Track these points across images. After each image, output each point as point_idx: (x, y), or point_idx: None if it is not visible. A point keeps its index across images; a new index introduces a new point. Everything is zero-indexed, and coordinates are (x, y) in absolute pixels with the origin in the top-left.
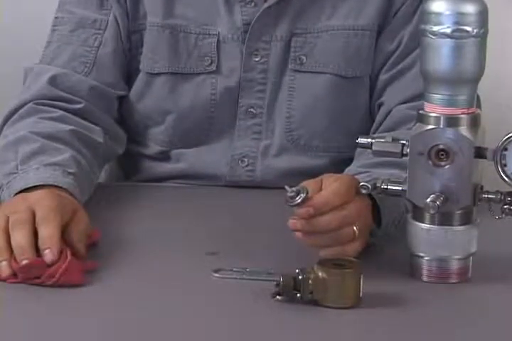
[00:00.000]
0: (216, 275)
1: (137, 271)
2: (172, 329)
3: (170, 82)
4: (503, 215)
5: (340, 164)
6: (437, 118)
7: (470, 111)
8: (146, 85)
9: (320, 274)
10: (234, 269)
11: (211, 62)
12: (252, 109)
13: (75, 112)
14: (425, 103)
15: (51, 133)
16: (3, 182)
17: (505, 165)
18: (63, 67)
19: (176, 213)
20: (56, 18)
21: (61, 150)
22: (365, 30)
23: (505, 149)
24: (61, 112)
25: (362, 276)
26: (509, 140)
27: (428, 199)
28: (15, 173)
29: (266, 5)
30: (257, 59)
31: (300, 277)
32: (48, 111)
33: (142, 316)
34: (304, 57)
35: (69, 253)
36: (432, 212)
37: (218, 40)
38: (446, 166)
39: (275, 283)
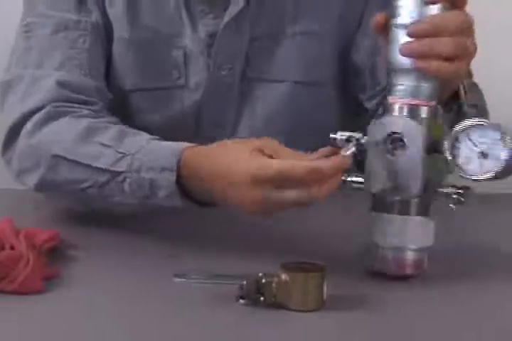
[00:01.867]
0: (178, 279)
1: (98, 277)
2: (132, 335)
3: (140, 98)
4: (454, 205)
5: None
6: (398, 108)
7: (429, 104)
8: (116, 101)
9: (283, 277)
10: (196, 273)
11: (179, 76)
12: (217, 122)
13: (96, 113)
14: (388, 95)
15: (103, 121)
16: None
17: (457, 157)
18: (59, 70)
19: (139, 217)
20: (27, 23)
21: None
22: (325, 35)
23: (457, 140)
24: (87, 111)
25: (325, 279)
26: (460, 130)
27: (379, 187)
28: (129, 154)
29: (227, 18)
30: (224, 72)
31: (263, 280)
32: (75, 111)
33: (102, 322)
34: (262, 65)
35: (31, 258)
36: (382, 200)
37: (185, 53)
38: (399, 155)
39: (238, 286)
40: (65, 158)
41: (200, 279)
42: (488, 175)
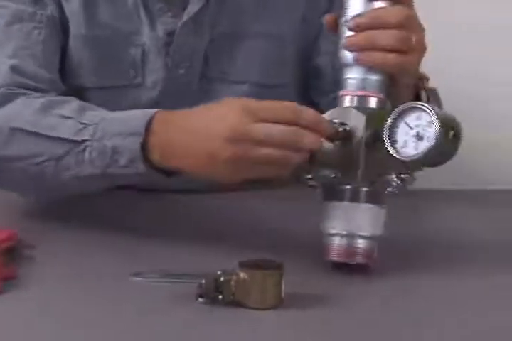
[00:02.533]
0: (136, 278)
1: (56, 277)
2: (88, 335)
3: (97, 96)
4: (394, 188)
5: None
6: (347, 100)
7: (377, 95)
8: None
9: (242, 275)
10: (154, 272)
11: (136, 75)
12: None
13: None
14: (341, 89)
15: (61, 98)
16: (87, 137)
17: (395, 142)
18: (12, 58)
19: (96, 215)
20: None
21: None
22: (287, 37)
23: (394, 125)
24: (39, 94)
25: (283, 276)
26: (396, 115)
27: (322, 174)
28: (92, 124)
29: (185, 17)
30: (181, 71)
31: (222, 279)
32: (30, 93)
33: (59, 323)
34: (221, 66)
35: None
36: (331, 188)
37: (143, 51)
38: (344, 144)
39: (197, 285)
40: (23, 130)
41: (158, 278)
42: (420, 155)
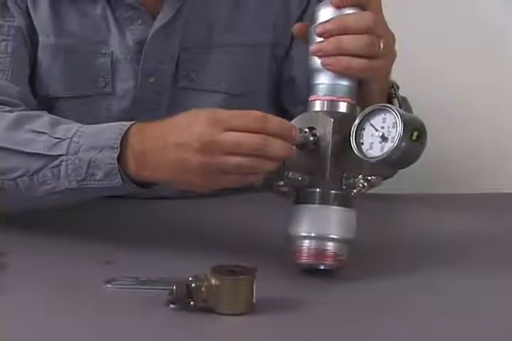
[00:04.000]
0: (108, 285)
1: (28, 284)
2: None
3: (68, 105)
4: (361, 190)
5: None
6: (317, 105)
7: (346, 100)
8: (41, 108)
9: (213, 281)
10: (127, 278)
11: (105, 84)
12: None
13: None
14: (310, 95)
15: (32, 113)
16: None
17: (362, 144)
18: None
19: (70, 222)
20: None
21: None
22: (259, 46)
23: (360, 127)
24: (9, 108)
25: (255, 282)
26: (362, 117)
27: (292, 177)
28: (66, 138)
29: (157, 25)
30: (151, 80)
31: (193, 285)
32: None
33: (31, 331)
34: (193, 75)
35: None
36: (302, 192)
37: (112, 61)
38: (313, 148)
39: (168, 291)
40: None
41: (130, 285)
42: (384, 155)
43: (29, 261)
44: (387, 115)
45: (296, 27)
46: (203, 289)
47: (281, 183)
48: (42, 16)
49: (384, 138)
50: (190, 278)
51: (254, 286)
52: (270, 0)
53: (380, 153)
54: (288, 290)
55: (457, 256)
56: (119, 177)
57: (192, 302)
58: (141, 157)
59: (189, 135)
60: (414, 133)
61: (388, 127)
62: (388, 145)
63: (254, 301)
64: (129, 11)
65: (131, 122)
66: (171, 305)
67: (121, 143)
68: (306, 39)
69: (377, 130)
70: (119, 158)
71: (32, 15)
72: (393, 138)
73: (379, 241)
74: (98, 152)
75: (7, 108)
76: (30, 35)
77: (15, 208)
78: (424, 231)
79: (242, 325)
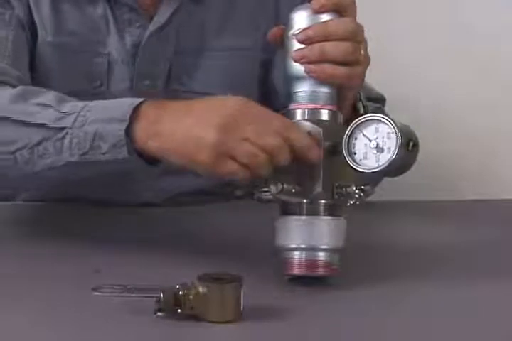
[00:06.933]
0: (96, 293)
1: (15, 291)
2: None
3: None
4: (356, 200)
5: None
6: (299, 113)
7: (329, 108)
8: None
9: (200, 289)
10: (114, 286)
11: (101, 84)
12: None
13: None
14: (289, 104)
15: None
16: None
17: (354, 154)
18: None
19: (58, 229)
20: None
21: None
22: (251, 50)
23: (352, 137)
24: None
25: (242, 290)
26: (353, 127)
27: (280, 187)
28: (73, 112)
29: (152, 28)
30: (146, 83)
31: (180, 292)
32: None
33: (18, 338)
34: (185, 78)
35: None
36: (289, 203)
37: (108, 61)
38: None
39: (156, 299)
40: None
41: (117, 292)
42: (383, 166)
43: (16, 269)
44: (381, 125)
45: (272, 32)
46: (190, 297)
47: (265, 189)
48: (43, 13)
49: (379, 149)
50: (178, 286)
51: (242, 294)
52: (263, 4)
53: (377, 164)
54: (275, 298)
55: (446, 263)
56: (126, 149)
57: (179, 310)
58: (152, 126)
59: (216, 113)
60: (410, 143)
61: (383, 137)
62: (385, 156)
63: (241, 309)
64: (128, 12)
65: (143, 98)
66: (159, 313)
67: (133, 114)
68: (280, 44)
69: (370, 140)
70: (127, 131)
71: (33, 10)
72: (389, 148)
73: (365, 248)
74: (106, 124)
75: (8, 86)
76: (30, 29)
77: (12, 184)
78: (410, 238)
79: (230, 333)
